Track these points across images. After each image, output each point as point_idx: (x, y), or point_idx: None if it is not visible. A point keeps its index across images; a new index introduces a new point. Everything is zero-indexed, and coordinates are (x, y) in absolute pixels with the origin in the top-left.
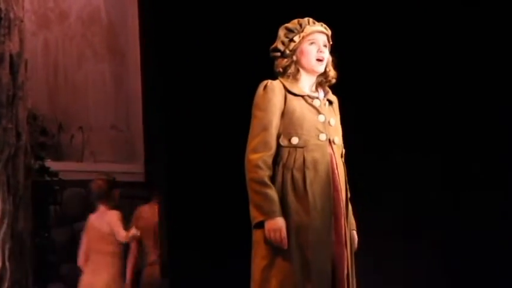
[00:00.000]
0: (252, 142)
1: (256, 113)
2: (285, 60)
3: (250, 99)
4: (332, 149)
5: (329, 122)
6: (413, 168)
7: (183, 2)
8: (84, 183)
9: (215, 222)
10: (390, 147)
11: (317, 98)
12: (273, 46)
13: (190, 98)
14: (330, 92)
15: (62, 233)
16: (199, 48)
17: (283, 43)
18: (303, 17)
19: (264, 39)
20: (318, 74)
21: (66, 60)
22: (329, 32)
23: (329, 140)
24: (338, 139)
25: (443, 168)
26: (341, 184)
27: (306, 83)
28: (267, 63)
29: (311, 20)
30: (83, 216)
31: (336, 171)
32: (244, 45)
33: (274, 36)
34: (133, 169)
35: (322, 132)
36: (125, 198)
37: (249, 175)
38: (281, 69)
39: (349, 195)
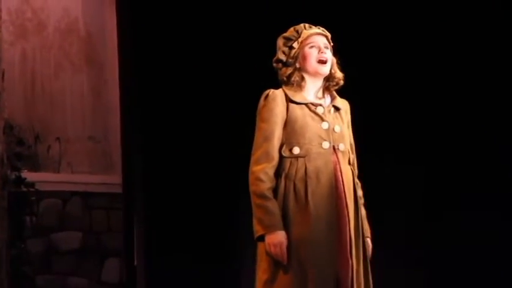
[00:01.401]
0: (255, 154)
1: (259, 124)
2: (288, 68)
3: (227, 109)
4: (337, 157)
5: (333, 129)
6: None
7: (162, 14)
8: (61, 194)
9: (192, 231)
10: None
11: (320, 105)
12: (275, 58)
13: (168, 109)
14: (338, 98)
15: (38, 244)
16: (177, 60)
17: (284, 52)
18: (296, 22)
19: (243, 49)
20: (323, 76)
21: (43, 71)
22: (328, 34)
23: (333, 147)
24: (344, 146)
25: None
26: (347, 192)
27: (311, 89)
28: (246, 73)
29: (307, 24)
30: (59, 228)
31: (339, 178)
32: (222, 57)
33: (253, 45)
34: (110, 180)
35: (325, 140)
36: (102, 209)
37: (251, 188)
38: (285, 78)
39: (362, 201)
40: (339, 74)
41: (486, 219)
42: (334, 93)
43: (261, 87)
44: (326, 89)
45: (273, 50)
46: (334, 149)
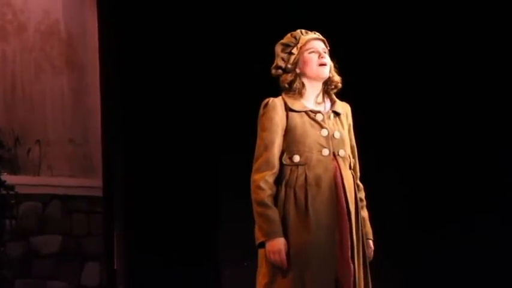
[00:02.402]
0: (256, 162)
1: (259, 133)
2: (289, 75)
3: (208, 112)
4: (337, 162)
5: (333, 136)
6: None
7: (143, 16)
8: (41, 197)
9: (172, 235)
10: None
11: (319, 112)
12: (274, 65)
13: (149, 112)
14: (338, 102)
15: (18, 248)
16: (158, 62)
17: (283, 59)
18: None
19: (226, 50)
20: (323, 80)
21: (23, 73)
22: (324, 39)
23: (333, 153)
24: (344, 151)
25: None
26: (348, 197)
27: (311, 95)
28: (227, 75)
29: (303, 30)
30: (39, 231)
31: (340, 185)
32: (203, 60)
33: (235, 48)
34: (91, 183)
35: (324, 147)
36: (82, 212)
37: (252, 196)
38: (287, 85)
39: (363, 203)
40: (337, 78)
41: (477, 224)
42: (334, 97)
43: (242, 90)
44: (325, 93)
45: (256, 54)
46: (334, 155)
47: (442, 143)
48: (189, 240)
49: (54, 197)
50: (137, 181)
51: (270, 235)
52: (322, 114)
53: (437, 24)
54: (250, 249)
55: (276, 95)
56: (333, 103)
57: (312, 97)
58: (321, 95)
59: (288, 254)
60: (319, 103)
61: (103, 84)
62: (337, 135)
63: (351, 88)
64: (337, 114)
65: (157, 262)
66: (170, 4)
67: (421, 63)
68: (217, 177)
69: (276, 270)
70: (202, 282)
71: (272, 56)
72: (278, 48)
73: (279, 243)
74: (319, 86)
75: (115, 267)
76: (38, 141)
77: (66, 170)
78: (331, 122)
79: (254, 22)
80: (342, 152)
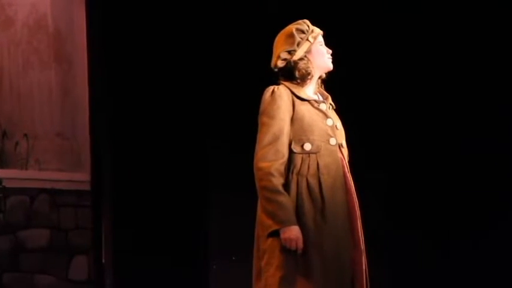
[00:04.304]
0: (262, 150)
1: (264, 120)
2: (303, 61)
3: (197, 107)
4: (342, 153)
5: (336, 126)
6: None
7: (131, 11)
8: (28, 191)
9: (160, 229)
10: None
11: (323, 102)
12: (287, 47)
13: (137, 107)
14: (330, 97)
15: (5, 242)
16: (147, 57)
17: (298, 44)
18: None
19: (213, 47)
20: (327, 71)
21: (11, 67)
22: None
23: (338, 144)
24: (345, 143)
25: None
26: (352, 188)
27: (311, 86)
28: (215, 71)
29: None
30: (26, 225)
31: (347, 174)
32: (190, 55)
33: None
34: (78, 177)
35: (332, 137)
36: (70, 206)
37: (260, 183)
38: (304, 71)
39: None
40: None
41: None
42: (325, 92)
43: (228, 85)
44: (317, 87)
45: (243, 51)
46: (339, 146)
47: (426, 141)
48: (177, 234)
49: (42, 191)
50: (125, 175)
51: (285, 222)
52: (325, 104)
53: (427, 23)
54: (239, 243)
55: (263, 84)
56: (326, 97)
57: (311, 88)
58: (317, 87)
59: (304, 244)
60: (315, 94)
61: (91, 79)
62: (339, 126)
63: (337, 85)
64: (333, 107)
65: (145, 256)
66: None
67: (407, 58)
68: (206, 172)
69: (293, 261)
70: (189, 277)
71: (260, 47)
72: (295, 31)
73: (296, 230)
74: (316, 78)
75: (103, 261)
76: (25, 135)
77: (54, 164)
78: (332, 112)
79: (239, 12)
80: (344, 143)
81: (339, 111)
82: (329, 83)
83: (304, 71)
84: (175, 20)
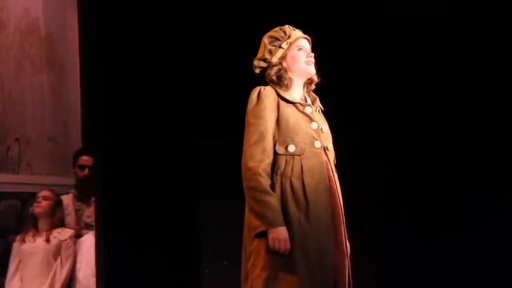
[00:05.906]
0: (249, 149)
1: (251, 120)
2: (275, 68)
3: (189, 109)
4: (327, 156)
5: (321, 129)
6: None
7: (123, 15)
8: (20, 196)
9: (152, 232)
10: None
11: (308, 105)
12: (259, 56)
13: (129, 110)
14: (318, 99)
15: None
16: (139, 61)
17: (270, 52)
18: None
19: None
20: (307, 77)
21: (3, 71)
22: (309, 38)
23: (323, 147)
24: (331, 146)
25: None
26: (338, 191)
27: (296, 90)
28: (206, 73)
29: (290, 26)
30: (17, 229)
31: (332, 178)
32: (181, 57)
33: (211, 47)
34: (70, 182)
35: (316, 140)
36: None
37: (248, 183)
38: (275, 78)
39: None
40: (316, 77)
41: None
42: (314, 94)
43: (221, 86)
44: (306, 89)
45: (233, 46)
46: (324, 149)
47: (420, 140)
48: (169, 239)
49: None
50: (117, 179)
51: (274, 223)
52: (311, 108)
53: (420, 19)
54: (231, 248)
55: (251, 85)
56: (313, 99)
57: (297, 92)
58: (304, 91)
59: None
60: (303, 99)
61: (83, 82)
62: (325, 129)
63: (329, 84)
64: (321, 109)
65: (137, 261)
66: (149, 2)
67: (403, 56)
68: (197, 177)
69: (278, 262)
70: (180, 279)
71: (246, 46)
72: (266, 40)
73: (284, 232)
74: (302, 83)
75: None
76: (17, 139)
77: (45, 168)
78: (317, 116)
79: (227, 14)
80: (330, 146)
81: (332, 110)
82: (324, 82)
83: (276, 77)
84: (166, 24)
